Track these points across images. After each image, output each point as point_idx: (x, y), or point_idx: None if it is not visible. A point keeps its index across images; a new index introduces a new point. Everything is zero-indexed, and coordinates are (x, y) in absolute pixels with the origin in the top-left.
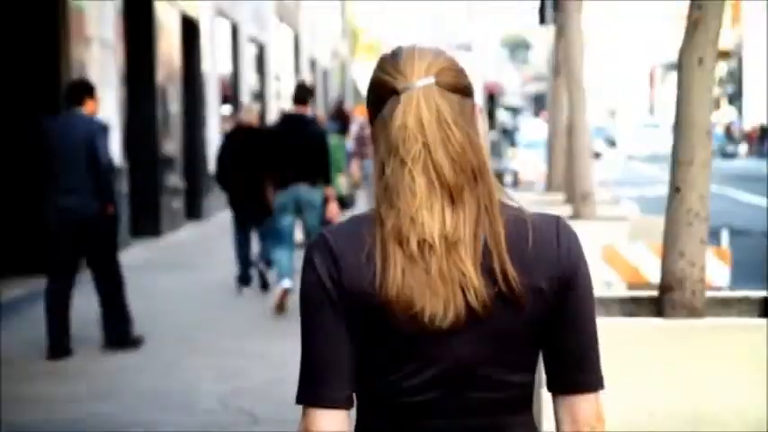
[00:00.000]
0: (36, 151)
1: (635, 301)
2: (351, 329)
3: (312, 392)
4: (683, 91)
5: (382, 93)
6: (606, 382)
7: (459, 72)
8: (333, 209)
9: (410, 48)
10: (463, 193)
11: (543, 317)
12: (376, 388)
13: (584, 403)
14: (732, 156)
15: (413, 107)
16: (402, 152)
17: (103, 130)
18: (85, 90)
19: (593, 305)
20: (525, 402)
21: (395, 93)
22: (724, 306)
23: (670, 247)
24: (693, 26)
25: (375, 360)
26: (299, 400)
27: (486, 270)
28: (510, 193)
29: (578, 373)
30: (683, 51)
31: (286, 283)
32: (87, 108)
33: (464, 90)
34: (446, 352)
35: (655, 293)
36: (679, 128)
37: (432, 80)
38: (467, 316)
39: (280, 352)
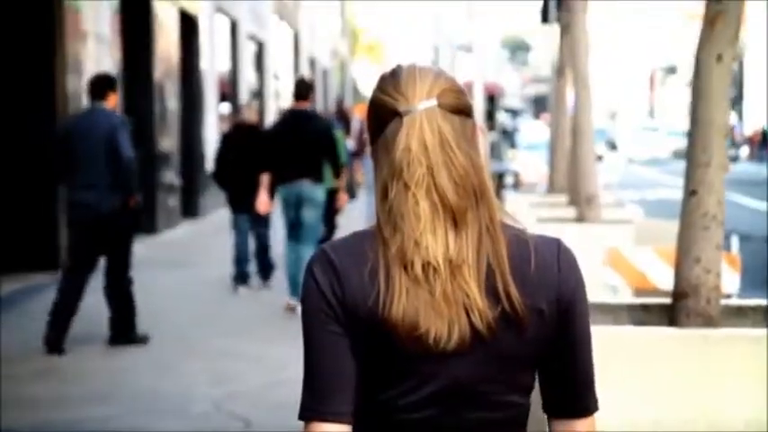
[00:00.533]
0: (51, 148)
1: (645, 308)
2: (353, 345)
3: (316, 406)
4: (701, 89)
5: (383, 114)
6: (616, 391)
7: (460, 93)
8: (342, 198)
9: (410, 67)
10: (466, 215)
11: (545, 339)
12: (374, 403)
13: (581, 427)
14: (733, 159)
15: (416, 130)
16: (406, 176)
17: (124, 124)
18: (108, 84)
19: (590, 331)
20: (521, 423)
21: (397, 115)
22: (738, 315)
23: (685, 253)
24: (711, 23)
25: (375, 376)
26: (302, 416)
27: (490, 291)
28: (511, 215)
29: (577, 398)
30: (701, 48)
31: (293, 301)
32: (109, 102)
33: (465, 111)
34: (446, 371)
35: (666, 300)
36: (695, 128)
37: (434, 102)
38: (471, 337)
39: (276, 354)
